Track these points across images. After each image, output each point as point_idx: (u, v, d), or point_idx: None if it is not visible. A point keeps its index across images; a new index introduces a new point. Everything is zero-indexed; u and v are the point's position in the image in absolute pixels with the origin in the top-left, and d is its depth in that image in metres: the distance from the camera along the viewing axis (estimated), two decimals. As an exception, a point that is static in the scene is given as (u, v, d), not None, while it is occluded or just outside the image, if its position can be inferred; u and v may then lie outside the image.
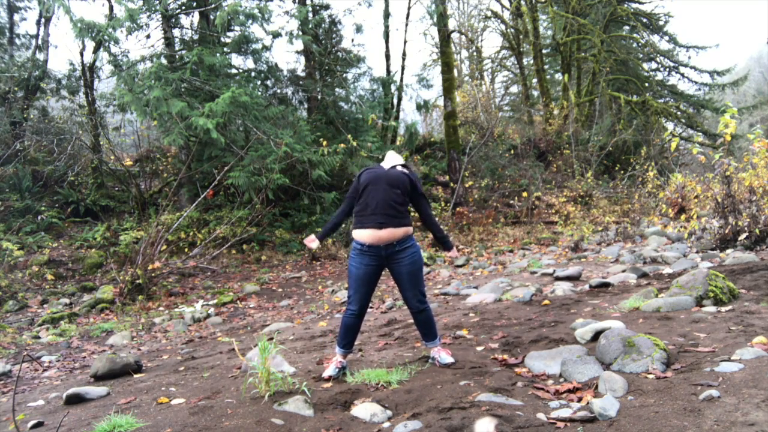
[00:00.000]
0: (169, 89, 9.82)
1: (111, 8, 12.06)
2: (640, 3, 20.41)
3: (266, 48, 12.22)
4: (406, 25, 17.03)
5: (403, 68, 16.85)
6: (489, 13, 24.22)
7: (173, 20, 11.86)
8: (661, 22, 19.96)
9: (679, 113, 18.46)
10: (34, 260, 9.20)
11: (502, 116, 21.57)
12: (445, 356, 3.35)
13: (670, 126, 18.17)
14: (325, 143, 10.88)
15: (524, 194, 14.10)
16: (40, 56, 12.99)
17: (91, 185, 12.10)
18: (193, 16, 12.44)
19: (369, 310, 6.27)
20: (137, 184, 12.26)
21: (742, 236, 6.64)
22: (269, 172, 10.20)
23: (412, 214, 3.96)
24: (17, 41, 13.69)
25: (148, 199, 12.12)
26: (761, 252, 6.34)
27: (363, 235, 3.23)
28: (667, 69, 20.37)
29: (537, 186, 14.58)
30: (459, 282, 7.43)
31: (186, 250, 10.46)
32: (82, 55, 12.34)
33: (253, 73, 12.81)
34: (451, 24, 18.14)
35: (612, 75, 18.30)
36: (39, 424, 2.89)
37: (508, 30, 22.34)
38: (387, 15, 14.99)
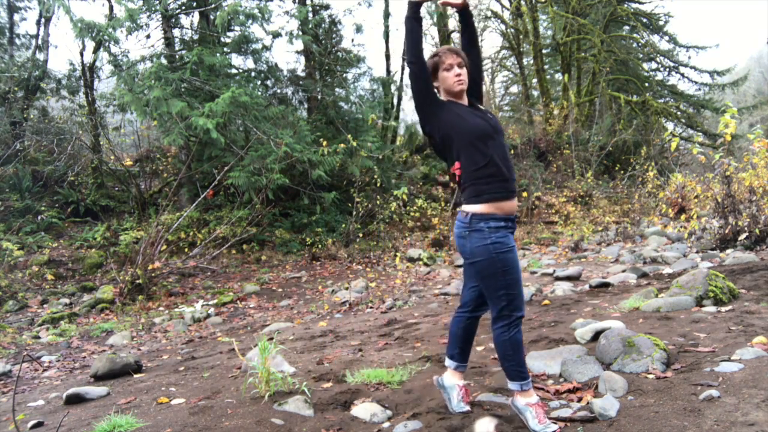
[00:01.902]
0: (169, 89, 9.82)
1: (111, 8, 12.06)
2: (640, 3, 20.40)
3: (266, 48, 12.22)
4: (406, 25, 17.00)
5: (403, 68, 16.84)
6: (489, 13, 24.20)
7: (173, 20, 11.86)
8: (661, 22, 19.95)
9: (679, 113, 18.46)
10: (34, 260, 9.20)
11: (502, 116, 21.56)
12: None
13: (670, 126, 18.17)
14: (325, 143, 10.88)
15: (524, 194, 14.10)
16: (40, 56, 12.99)
17: (91, 185, 12.10)
18: (193, 16, 12.44)
19: (369, 309, 6.27)
20: (137, 184, 12.25)
21: (742, 236, 6.64)
22: (269, 172, 10.20)
23: None
24: (17, 41, 13.69)
25: (148, 199, 12.12)
26: (761, 252, 6.33)
27: (504, 205, 2.31)
28: (667, 69, 20.37)
29: (537, 186, 14.58)
30: (459, 282, 7.43)
31: (186, 250, 10.46)
32: (82, 55, 12.34)
33: (253, 73, 12.81)
34: (451, 24, 18.14)
35: (612, 75, 18.29)
36: (39, 424, 2.89)
37: (508, 30, 22.34)
38: (387, 15, 14.99)
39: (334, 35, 14.33)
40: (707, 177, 8.35)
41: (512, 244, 2.31)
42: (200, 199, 10.74)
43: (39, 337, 6.45)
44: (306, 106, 13.89)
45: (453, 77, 2.38)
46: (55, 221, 10.83)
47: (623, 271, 6.39)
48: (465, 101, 2.46)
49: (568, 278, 6.45)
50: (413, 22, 2.37)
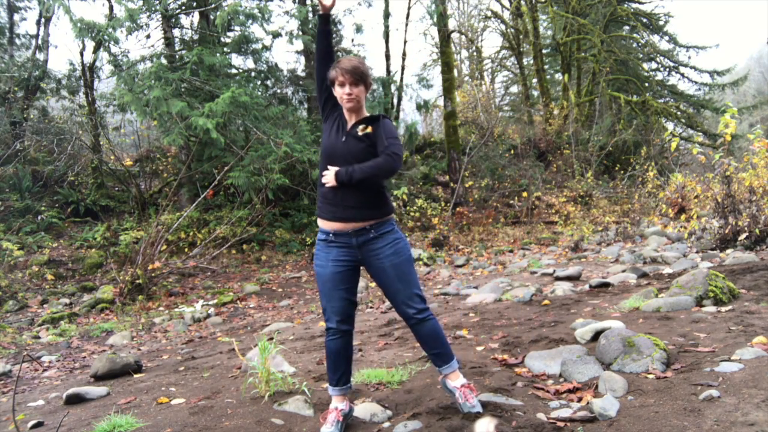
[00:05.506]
0: (169, 89, 9.81)
1: (111, 8, 12.06)
2: (640, 3, 20.42)
3: (266, 48, 12.22)
4: (406, 25, 17.02)
5: (403, 68, 16.84)
6: (489, 13, 24.22)
7: (173, 20, 11.86)
8: (661, 22, 19.97)
9: (679, 113, 18.46)
10: (34, 260, 9.20)
11: (502, 116, 21.57)
12: (471, 400, 2.47)
13: (670, 126, 18.17)
14: (325, 143, 10.86)
15: (524, 194, 14.10)
16: (40, 56, 12.99)
17: (91, 185, 12.10)
18: (193, 16, 12.45)
19: (368, 309, 6.26)
20: (137, 184, 12.25)
21: (742, 236, 6.63)
22: (269, 172, 10.20)
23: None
24: (17, 41, 13.68)
25: (148, 199, 12.12)
26: (761, 252, 6.33)
27: (326, 224, 2.50)
28: (667, 69, 20.38)
29: (537, 186, 14.58)
30: (459, 282, 7.43)
31: (186, 250, 10.46)
32: (82, 55, 12.34)
33: (253, 73, 12.81)
34: (451, 24, 18.18)
35: (612, 75, 18.29)
36: (39, 424, 2.89)
37: (508, 30, 22.34)
38: (387, 15, 14.98)
39: (334, 35, 14.33)
40: (707, 177, 8.35)
41: (328, 260, 2.49)
42: (200, 199, 10.74)
43: (39, 337, 6.45)
44: (306, 106, 13.89)
45: (341, 94, 2.48)
46: (55, 221, 10.83)
47: (623, 271, 6.39)
48: (356, 116, 2.52)
49: (568, 278, 6.45)
50: (318, 34, 2.62)
